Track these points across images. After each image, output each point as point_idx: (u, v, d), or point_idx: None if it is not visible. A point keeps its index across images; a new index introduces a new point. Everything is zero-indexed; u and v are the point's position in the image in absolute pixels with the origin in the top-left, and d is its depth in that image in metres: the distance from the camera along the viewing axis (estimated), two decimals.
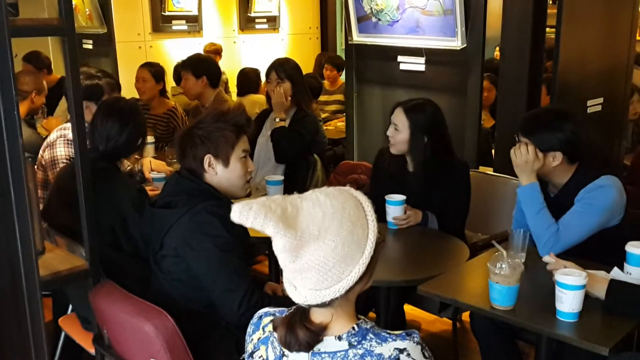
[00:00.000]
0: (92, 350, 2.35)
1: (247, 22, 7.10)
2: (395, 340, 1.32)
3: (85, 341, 2.48)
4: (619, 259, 2.19)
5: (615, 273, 2.16)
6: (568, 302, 1.92)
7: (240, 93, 5.35)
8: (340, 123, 5.34)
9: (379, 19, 3.86)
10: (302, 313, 1.36)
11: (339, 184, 3.44)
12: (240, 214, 1.22)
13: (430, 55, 3.74)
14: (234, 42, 7.06)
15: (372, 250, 1.30)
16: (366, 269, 1.29)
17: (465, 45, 3.55)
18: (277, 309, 1.46)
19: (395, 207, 2.73)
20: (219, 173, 2.17)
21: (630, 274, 2.14)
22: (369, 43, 4.04)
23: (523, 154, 2.42)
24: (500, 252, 2.03)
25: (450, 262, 2.51)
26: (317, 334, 1.33)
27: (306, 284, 1.29)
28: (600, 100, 3.68)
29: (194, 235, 2.06)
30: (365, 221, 1.31)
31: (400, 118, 2.82)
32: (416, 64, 3.81)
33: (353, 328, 1.34)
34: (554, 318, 1.94)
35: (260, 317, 1.47)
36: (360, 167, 3.58)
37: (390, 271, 2.41)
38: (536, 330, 2.00)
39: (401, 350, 1.30)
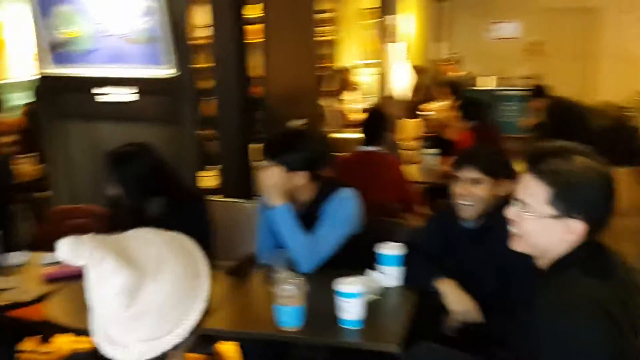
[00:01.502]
0: None
1: None
2: None
3: None
4: (368, 262, 2.36)
5: (370, 274, 2.34)
6: (351, 310, 2.00)
7: None
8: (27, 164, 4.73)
9: (75, 48, 3.55)
10: None
11: (56, 234, 3.04)
12: (72, 250, 1.06)
13: (140, 84, 3.57)
14: None
15: (209, 282, 1.21)
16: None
17: (176, 73, 3.48)
18: None
19: None
20: None
21: (384, 273, 2.34)
22: (65, 74, 3.67)
23: (272, 176, 2.46)
24: (281, 274, 2.03)
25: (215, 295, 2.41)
26: None
27: (142, 335, 1.12)
28: (304, 120, 3.98)
29: None
30: (192, 252, 1.23)
31: None
32: (123, 95, 3.60)
33: None
34: (340, 328, 1.99)
35: None
36: (79, 210, 3.20)
37: None
38: (329, 343, 2.05)
39: None
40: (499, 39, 9.78)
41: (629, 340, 1.47)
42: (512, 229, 1.60)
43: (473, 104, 4.67)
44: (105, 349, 1.14)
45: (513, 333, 1.78)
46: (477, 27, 9.78)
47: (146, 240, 1.18)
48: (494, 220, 2.31)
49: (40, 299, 2.41)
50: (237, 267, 2.82)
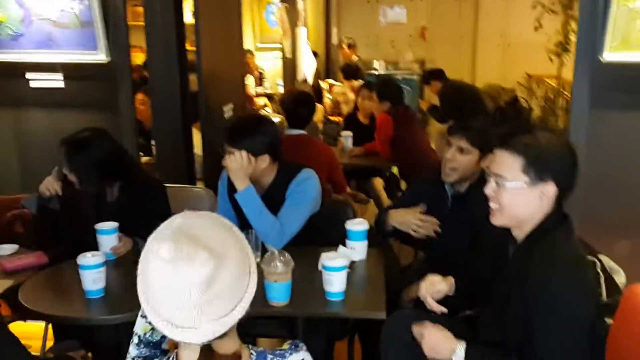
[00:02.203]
0: None
1: None
2: (292, 353, 1.35)
3: None
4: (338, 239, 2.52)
5: (342, 250, 2.50)
6: (337, 283, 2.15)
7: None
8: None
9: (1, 33, 3.38)
10: (208, 354, 1.24)
11: None
12: (175, 249, 1.14)
13: (70, 70, 3.45)
14: None
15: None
16: None
17: (110, 58, 3.41)
18: None
19: (109, 237, 2.54)
20: None
21: (354, 248, 2.51)
22: None
23: (238, 160, 2.54)
24: (270, 252, 2.14)
25: None
26: None
27: (215, 313, 1.18)
28: (231, 105, 4.04)
29: None
30: (232, 228, 1.29)
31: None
32: (52, 81, 3.47)
33: (252, 354, 1.30)
34: (324, 300, 2.13)
35: None
36: (17, 200, 3.07)
37: None
38: (319, 315, 2.18)
39: None
40: (388, 24, 10.18)
41: (599, 299, 1.76)
42: (492, 204, 1.81)
43: (389, 86, 4.88)
44: (171, 333, 1.18)
45: (481, 295, 2.01)
46: (366, 12, 10.12)
47: (202, 226, 1.22)
48: (476, 189, 2.55)
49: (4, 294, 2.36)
50: None
